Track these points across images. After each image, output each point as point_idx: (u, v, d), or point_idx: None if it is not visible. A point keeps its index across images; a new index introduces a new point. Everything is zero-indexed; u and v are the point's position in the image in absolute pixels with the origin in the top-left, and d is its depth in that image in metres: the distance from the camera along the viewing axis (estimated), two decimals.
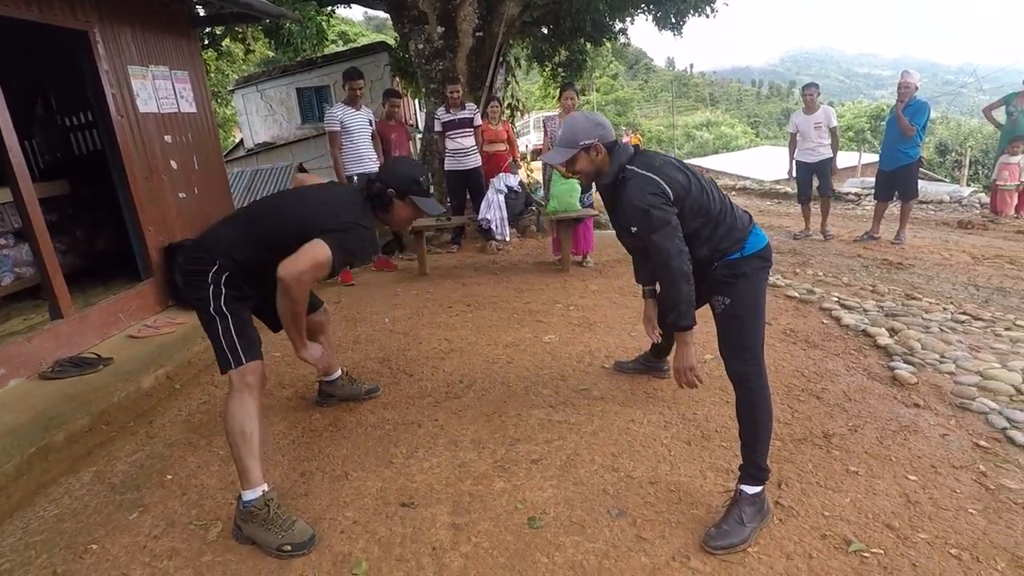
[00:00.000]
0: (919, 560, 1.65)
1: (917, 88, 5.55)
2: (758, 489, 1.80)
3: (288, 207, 2.01)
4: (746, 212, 2.00)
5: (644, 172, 1.87)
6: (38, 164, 4.93)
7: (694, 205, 1.87)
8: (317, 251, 1.83)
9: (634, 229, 1.90)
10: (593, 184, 2.12)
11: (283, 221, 1.95)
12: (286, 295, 1.83)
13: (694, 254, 1.88)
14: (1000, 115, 7.14)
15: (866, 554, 1.68)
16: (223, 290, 1.91)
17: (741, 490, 1.80)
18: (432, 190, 2.15)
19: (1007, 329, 3.32)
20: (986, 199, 7.95)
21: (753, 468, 1.81)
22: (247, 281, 1.96)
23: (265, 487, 1.86)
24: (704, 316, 2.00)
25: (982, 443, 2.19)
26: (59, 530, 1.99)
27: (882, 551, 1.69)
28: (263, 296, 2.02)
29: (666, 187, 1.84)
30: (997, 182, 7.20)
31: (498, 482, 2.11)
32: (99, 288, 4.08)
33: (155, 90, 4.21)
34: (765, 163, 20.87)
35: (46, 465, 2.35)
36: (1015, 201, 7.21)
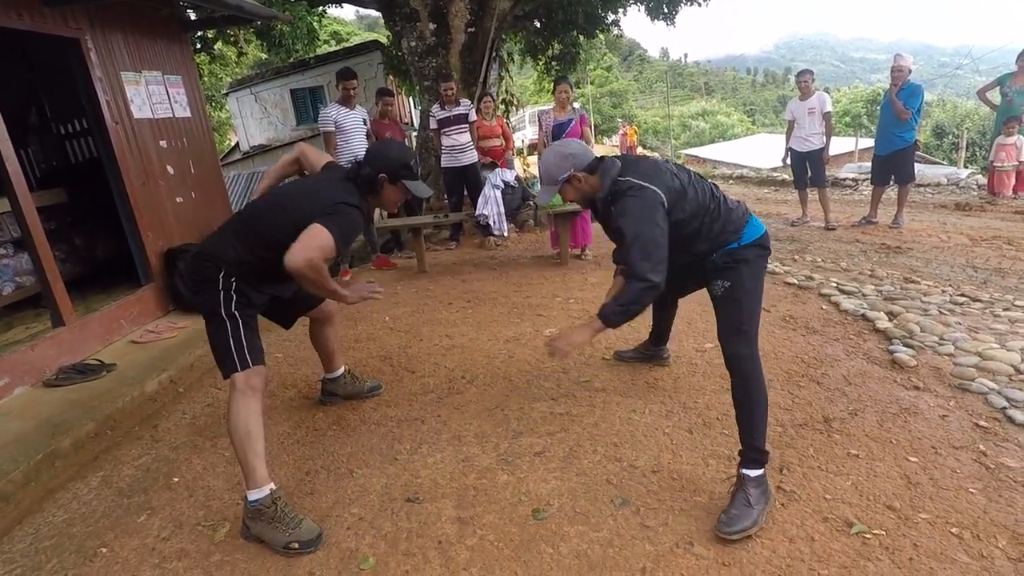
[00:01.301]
0: (920, 540, 1.66)
1: (911, 71, 5.53)
2: (760, 471, 1.82)
3: (280, 206, 2.02)
4: (739, 203, 2.03)
5: (640, 182, 1.88)
6: (35, 173, 4.95)
7: (691, 206, 1.91)
8: (317, 234, 1.86)
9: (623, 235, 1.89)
10: None
11: (278, 219, 1.97)
12: (304, 279, 1.87)
13: (694, 249, 1.95)
14: (995, 96, 7.11)
15: (868, 536, 1.69)
16: (233, 296, 1.95)
17: (743, 474, 1.82)
18: (419, 171, 2.17)
19: (1005, 310, 3.33)
20: (983, 180, 7.94)
21: (752, 451, 1.83)
22: (255, 284, 2.01)
23: (272, 486, 1.87)
24: (705, 305, 2.01)
25: (982, 423, 2.20)
26: (68, 535, 2.01)
27: (884, 532, 1.70)
28: (270, 297, 2.10)
29: (663, 196, 1.86)
30: (994, 163, 7.19)
31: (502, 475, 2.13)
32: (100, 295, 4.10)
33: (149, 95, 4.21)
34: (762, 151, 20.81)
35: (53, 471, 2.37)
36: (1012, 181, 7.19)
